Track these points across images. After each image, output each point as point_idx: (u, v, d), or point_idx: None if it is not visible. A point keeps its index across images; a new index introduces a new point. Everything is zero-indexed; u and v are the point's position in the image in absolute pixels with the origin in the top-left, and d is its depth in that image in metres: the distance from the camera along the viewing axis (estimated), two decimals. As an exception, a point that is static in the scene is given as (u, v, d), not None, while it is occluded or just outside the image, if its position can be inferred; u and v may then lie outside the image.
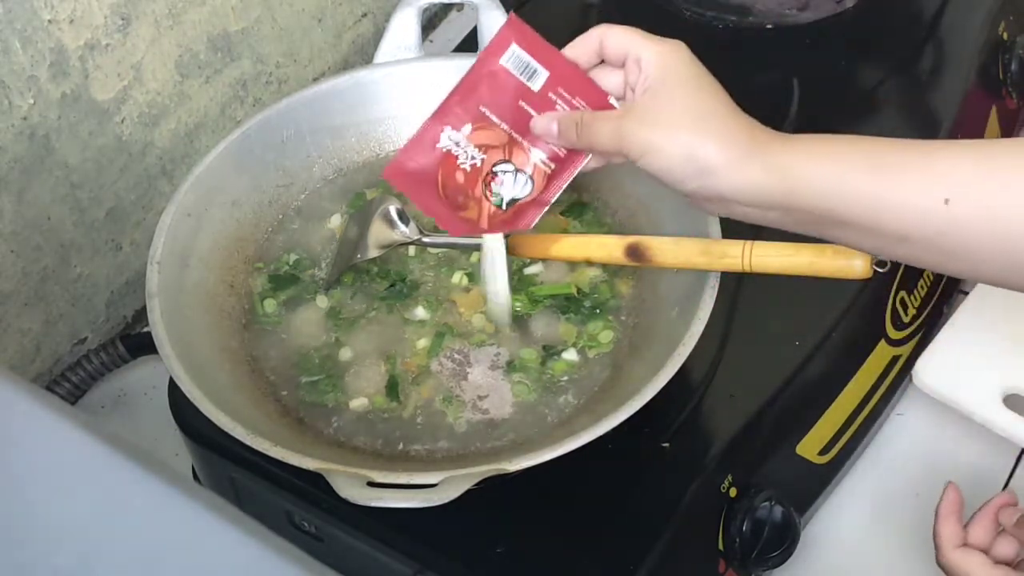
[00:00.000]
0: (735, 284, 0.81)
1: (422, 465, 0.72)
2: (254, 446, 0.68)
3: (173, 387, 0.76)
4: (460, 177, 0.74)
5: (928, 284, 0.93)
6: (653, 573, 0.71)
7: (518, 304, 0.80)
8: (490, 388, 0.77)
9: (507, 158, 0.74)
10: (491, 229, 0.75)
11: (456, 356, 0.78)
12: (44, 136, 0.85)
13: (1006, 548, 0.74)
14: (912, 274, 0.90)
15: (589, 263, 0.81)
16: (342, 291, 0.82)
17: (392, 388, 0.77)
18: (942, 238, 0.60)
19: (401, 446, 0.75)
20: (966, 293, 0.93)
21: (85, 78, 0.86)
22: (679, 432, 0.77)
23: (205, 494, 0.41)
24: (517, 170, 0.74)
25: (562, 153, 0.73)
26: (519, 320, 0.80)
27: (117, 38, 0.87)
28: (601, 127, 0.69)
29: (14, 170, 0.84)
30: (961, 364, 0.88)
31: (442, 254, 0.83)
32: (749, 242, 0.71)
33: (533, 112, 0.73)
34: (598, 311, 0.80)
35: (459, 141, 0.74)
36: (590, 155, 0.73)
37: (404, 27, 0.89)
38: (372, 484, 0.65)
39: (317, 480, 0.66)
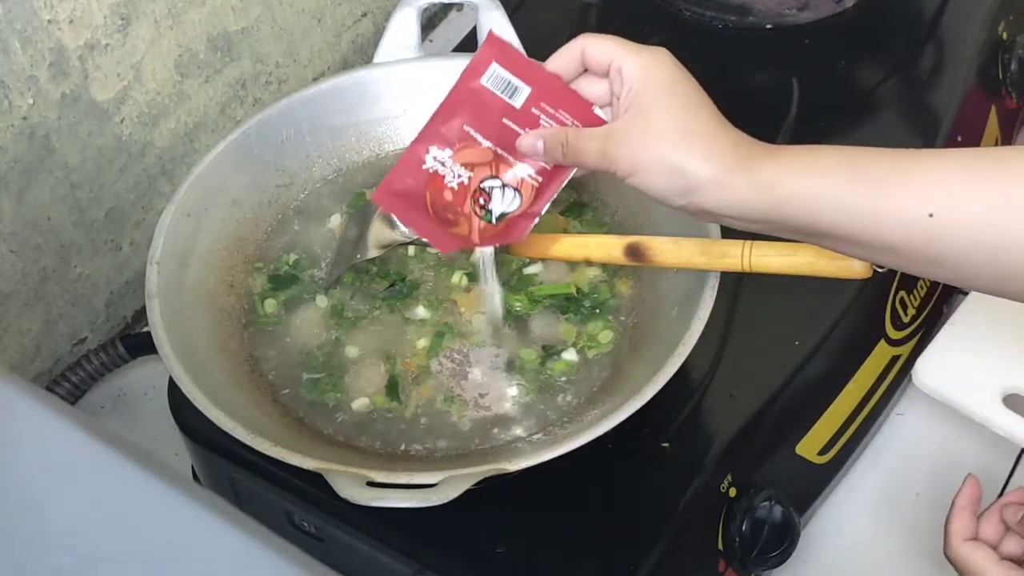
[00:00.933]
0: (735, 284, 0.81)
1: (422, 465, 0.72)
2: (254, 446, 0.68)
3: (173, 387, 0.76)
4: (448, 195, 0.74)
5: (928, 284, 0.93)
6: (653, 573, 0.71)
7: (518, 304, 0.80)
8: (490, 388, 0.77)
9: (494, 174, 0.73)
10: (483, 243, 0.75)
11: (456, 356, 0.78)
12: (44, 136, 0.85)
13: (1014, 546, 0.74)
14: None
15: (589, 263, 0.81)
16: (342, 291, 0.82)
17: (392, 388, 0.77)
18: (928, 249, 0.60)
19: (401, 446, 0.75)
20: (966, 293, 0.93)
21: (85, 78, 0.86)
22: (679, 432, 0.77)
23: (205, 494, 0.41)
24: (504, 185, 0.73)
25: (549, 166, 0.73)
26: (519, 320, 0.80)
27: (117, 38, 0.87)
28: (586, 146, 0.69)
29: (14, 170, 0.84)
30: (961, 364, 0.88)
31: (442, 254, 0.83)
32: (749, 242, 0.71)
33: (517, 128, 0.72)
34: (598, 311, 0.80)
35: (444, 161, 0.73)
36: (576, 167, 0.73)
37: (404, 27, 0.89)
38: (372, 484, 0.65)
39: (317, 480, 0.66)
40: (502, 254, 0.81)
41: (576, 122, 0.71)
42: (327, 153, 0.89)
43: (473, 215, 0.74)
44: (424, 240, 0.82)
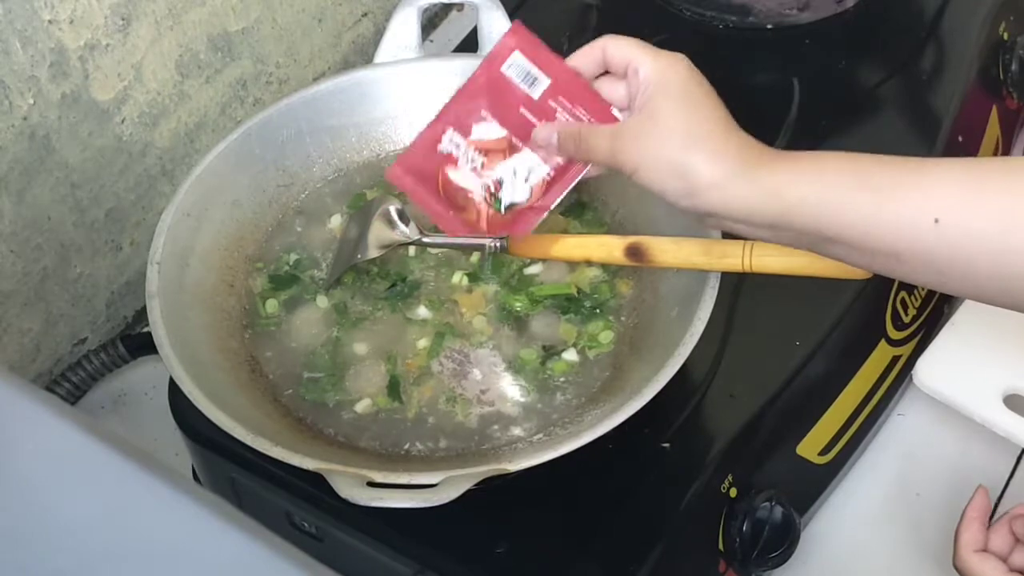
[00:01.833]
0: (735, 284, 0.81)
1: (422, 465, 0.72)
2: (254, 446, 0.68)
3: (173, 387, 0.76)
4: (459, 179, 0.74)
5: (928, 284, 0.93)
6: (653, 573, 0.71)
7: (518, 304, 0.80)
8: (490, 388, 0.77)
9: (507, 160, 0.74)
10: (490, 231, 0.75)
11: (456, 356, 0.78)
12: (44, 136, 0.85)
13: (1023, 558, 0.74)
14: (912, 274, 0.90)
15: (589, 263, 0.81)
16: (342, 291, 0.82)
17: (393, 388, 0.77)
18: (933, 257, 0.60)
19: (402, 446, 0.75)
20: (966, 293, 0.93)
21: (85, 78, 0.86)
22: (679, 432, 0.77)
23: (205, 494, 0.41)
24: (516, 173, 0.74)
25: (561, 161, 0.74)
26: (519, 320, 0.80)
27: (117, 38, 0.87)
28: (597, 142, 0.70)
29: (14, 170, 0.84)
30: (961, 364, 0.88)
31: (442, 254, 0.83)
32: (749, 242, 0.71)
33: (534, 119, 0.73)
34: (598, 311, 0.80)
35: (460, 144, 0.74)
36: (589, 165, 0.73)
37: (404, 27, 0.89)
38: (372, 484, 0.65)
39: (317, 480, 0.66)
40: (502, 254, 0.81)
41: (593, 119, 0.71)
42: (327, 153, 0.89)
43: (483, 202, 0.74)
44: (424, 240, 0.82)
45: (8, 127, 0.82)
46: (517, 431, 0.75)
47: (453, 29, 1.20)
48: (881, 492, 0.88)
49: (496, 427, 0.75)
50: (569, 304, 0.80)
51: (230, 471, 0.77)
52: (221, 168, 0.84)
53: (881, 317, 0.88)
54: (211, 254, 0.82)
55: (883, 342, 0.88)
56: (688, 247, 0.74)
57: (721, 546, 0.77)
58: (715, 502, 0.77)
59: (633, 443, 0.75)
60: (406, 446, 0.75)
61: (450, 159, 0.74)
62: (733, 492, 0.77)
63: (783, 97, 0.98)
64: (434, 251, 0.83)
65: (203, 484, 0.82)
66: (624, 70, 0.69)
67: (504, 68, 0.73)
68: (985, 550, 0.74)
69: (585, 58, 0.72)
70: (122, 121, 0.91)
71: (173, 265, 0.78)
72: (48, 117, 0.85)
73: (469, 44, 0.94)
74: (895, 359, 0.90)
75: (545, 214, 0.74)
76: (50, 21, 0.82)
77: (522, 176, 0.74)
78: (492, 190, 0.74)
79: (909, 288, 0.90)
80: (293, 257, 0.85)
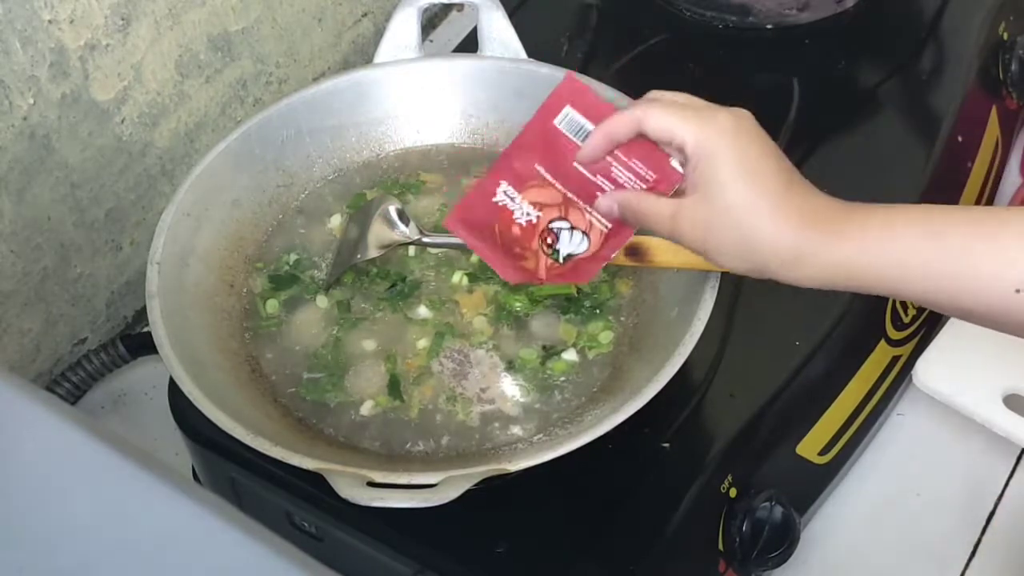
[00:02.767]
0: (735, 284, 0.81)
1: (422, 465, 0.72)
2: (254, 446, 0.68)
3: (173, 387, 0.76)
4: (516, 231, 0.73)
5: (928, 284, 0.93)
6: (653, 573, 0.71)
7: (518, 304, 0.80)
8: (490, 388, 0.77)
9: (563, 216, 0.72)
10: (549, 279, 0.73)
11: (456, 356, 0.78)
12: (44, 136, 0.85)
13: None
14: (912, 274, 0.90)
15: (589, 263, 0.81)
16: (342, 291, 0.82)
17: (394, 387, 0.77)
18: (1010, 319, 0.58)
19: (402, 446, 0.75)
20: (966, 293, 0.93)
21: (85, 78, 0.86)
22: (679, 432, 0.77)
23: (205, 494, 0.42)
24: (573, 228, 0.72)
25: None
26: (519, 320, 0.80)
27: (117, 38, 0.87)
28: (658, 222, 0.67)
29: (14, 170, 0.84)
30: (961, 364, 0.88)
31: (442, 254, 0.84)
32: (749, 242, 0.71)
33: (588, 174, 0.71)
34: (598, 311, 0.80)
35: (514, 197, 0.73)
36: None
37: (404, 27, 0.89)
38: (372, 484, 0.65)
39: (317, 480, 0.66)
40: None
41: (651, 172, 0.68)
42: (327, 153, 0.89)
43: (540, 253, 0.73)
44: (424, 240, 0.82)
45: (8, 127, 0.82)
46: (517, 431, 0.75)
47: (453, 29, 1.20)
48: (881, 492, 0.88)
49: (497, 425, 0.75)
50: (569, 304, 0.80)
51: (230, 471, 0.77)
52: (221, 168, 0.84)
53: (881, 317, 0.88)
54: (211, 254, 0.82)
55: (883, 342, 0.88)
56: (688, 247, 0.74)
57: (721, 546, 0.77)
58: (715, 502, 0.77)
59: (633, 443, 0.75)
60: (406, 446, 0.75)
61: (505, 211, 0.73)
62: (733, 492, 0.77)
63: (783, 97, 0.98)
64: (434, 251, 0.84)
65: (203, 484, 0.82)
66: (669, 144, 0.66)
67: (557, 122, 0.71)
68: None
69: (624, 128, 0.67)
70: (122, 121, 0.91)
71: (173, 265, 0.78)
72: (48, 117, 0.85)
73: (469, 44, 0.94)
74: (895, 359, 0.90)
75: (605, 263, 0.72)
76: (50, 21, 0.82)
77: (580, 230, 0.73)
78: (549, 242, 0.73)
79: (909, 288, 0.90)
80: (293, 257, 0.85)
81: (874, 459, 0.89)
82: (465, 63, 0.89)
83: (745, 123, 0.64)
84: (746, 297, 0.82)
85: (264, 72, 1.03)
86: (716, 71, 0.89)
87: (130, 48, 0.89)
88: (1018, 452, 0.88)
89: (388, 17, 0.91)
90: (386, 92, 0.89)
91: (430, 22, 1.21)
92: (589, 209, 0.71)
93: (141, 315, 1.01)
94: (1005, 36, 1.05)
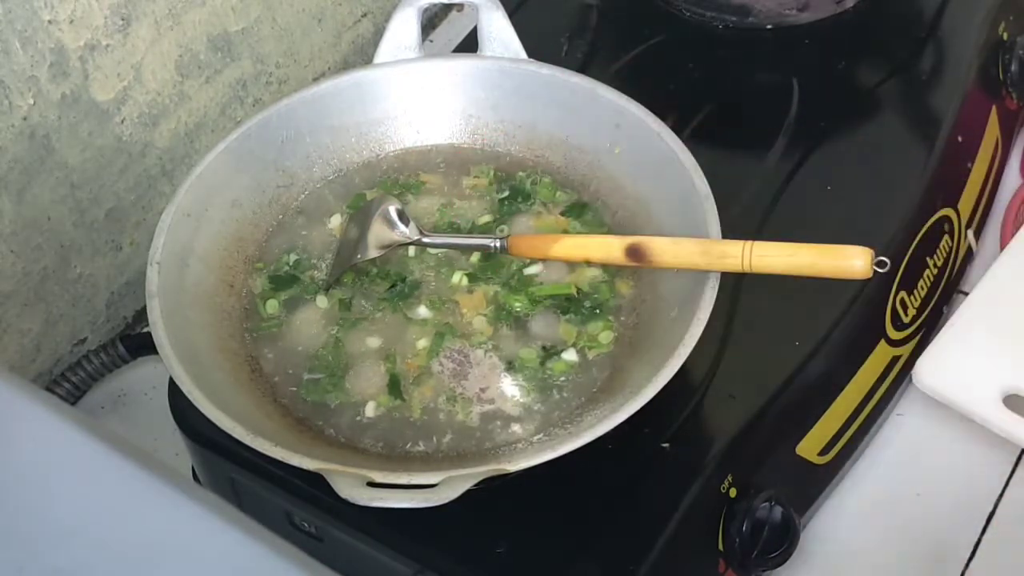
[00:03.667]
0: (735, 284, 0.81)
1: (422, 465, 0.72)
2: (254, 446, 0.68)
3: (173, 387, 0.76)
4: None
5: (928, 284, 0.93)
6: (653, 573, 0.71)
7: (518, 304, 0.80)
8: (490, 388, 0.77)
9: None
10: None
11: (456, 356, 0.78)
12: (44, 136, 0.85)
13: None
14: (912, 274, 0.90)
15: (589, 263, 0.81)
16: (342, 291, 0.82)
17: (394, 386, 0.77)
18: None
19: (402, 446, 0.75)
20: (966, 293, 0.93)
21: (85, 78, 0.86)
22: (679, 432, 0.77)
23: (205, 494, 0.42)
24: None
25: None
26: (519, 320, 0.80)
27: (117, 38, 0.87)
28: None
29: (14, 170, 0.84)
30: (961, 364, 0.88)
31: (442, 254, 0.83)
32: (749, 242, 0.71)
33: None
34: (598, 311, 0.80)
35: None
36: None
37: (404, 27, 0.89)
38: (372, 484, 0.65)
39: (317, 480, 0.66)
40: (502, 254, 0.81)
41: None
42: (327, 153, 0.89)
43: None
44: (424, 240, 0.82)
45: (8, 127, 0.82)
46: (517, 430, 0.75)
47: (453, 29, 1.20)
48: (881, 492, 0.88)
49: (497, 425, 0.75)
50: (569, 304, 0.80)
51: (230, 471, 0.77)
52: (221, 168, 0.83)
53: (881, 317, 0.88)
54: (211, 254, 0.82)
55: (883, 342, 0.88)
56: (688, 247, 0.74)
57: (721, 546, 0.77)
58: (715, 502, 0.77)
59: (633, 443, 0.75)
60: (406, 446, 0.75)
61: None
62: (733, 492, 0.77)
63: (783, 97, 0.98)
64: (434, 251, 0.83)
65: (203, 484, 0.82)
66: None
67: None
68: None
69: None
70: (122, 121, 0.91)
71: (173, 265, 0.78)
72: (48, 117, 0.85)
73: (469, 44, 0.94)
74: (895, 359, 0.90)
75: None
76: (50, 21, 0.82)
77: None
78: None
79: (909, 288, 0.90)
80: (293, 257, 0.85)
81: (874, 459, 0.89)
82: (465, 63, 0.89)
83: None
84: (746, 297, 0.82)
85: (264, 72, 1.03)
86: (716, 71, 0.89)
87: (130, 48, 0.89)
88: (1018, 452, 0.88)
89: (388, 17, 0.91)
90: (386, 92, 0.89)
91: (430, 22, 1.21)
92: None
93: (141, 315, 1.01)
94: (1005, 36, 1.05)
